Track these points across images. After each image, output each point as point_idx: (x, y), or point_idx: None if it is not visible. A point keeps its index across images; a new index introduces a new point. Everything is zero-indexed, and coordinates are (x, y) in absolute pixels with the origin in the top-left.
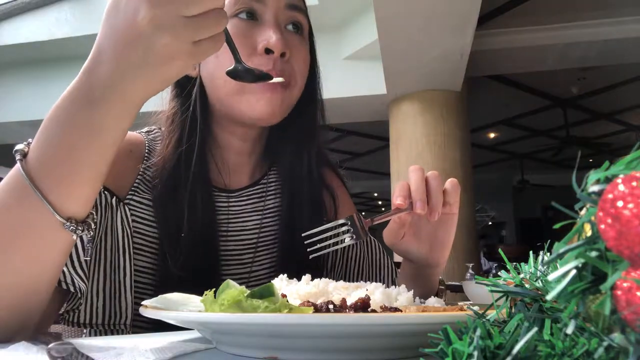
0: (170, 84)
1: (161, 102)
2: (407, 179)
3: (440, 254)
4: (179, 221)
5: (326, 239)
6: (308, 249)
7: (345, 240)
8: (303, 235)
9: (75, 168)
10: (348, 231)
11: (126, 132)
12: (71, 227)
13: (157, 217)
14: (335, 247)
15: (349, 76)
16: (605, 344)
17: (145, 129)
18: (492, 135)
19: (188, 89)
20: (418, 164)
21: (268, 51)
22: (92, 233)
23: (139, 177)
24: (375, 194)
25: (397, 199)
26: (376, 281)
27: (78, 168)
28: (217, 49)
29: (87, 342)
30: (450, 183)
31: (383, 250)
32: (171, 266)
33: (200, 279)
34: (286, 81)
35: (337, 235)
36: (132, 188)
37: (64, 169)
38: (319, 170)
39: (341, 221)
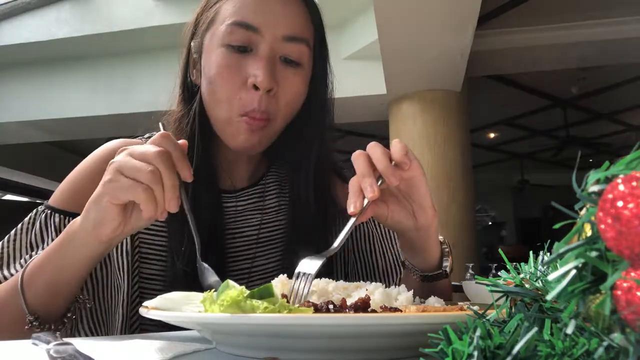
0: (107, 239)
1: (171, 101)
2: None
3: (424, 217)
4: (186, 225)
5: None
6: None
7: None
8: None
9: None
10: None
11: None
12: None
13: (165, 221)
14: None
15: (348, 76)
16: (605, 344)
17: (147, 135)
18: (492, 135)
19: (194, 94)
20: None
21: (256, 87)
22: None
23: None
24: None
25: (349, 208)
26: (381, 281)
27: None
28: (145, 221)
29: (87, 342)
30: (392, 145)
31: (396, 259)
32: (179, 266)
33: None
34: (268, 116)
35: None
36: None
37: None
38: (325, 173)
39: (293, 280)
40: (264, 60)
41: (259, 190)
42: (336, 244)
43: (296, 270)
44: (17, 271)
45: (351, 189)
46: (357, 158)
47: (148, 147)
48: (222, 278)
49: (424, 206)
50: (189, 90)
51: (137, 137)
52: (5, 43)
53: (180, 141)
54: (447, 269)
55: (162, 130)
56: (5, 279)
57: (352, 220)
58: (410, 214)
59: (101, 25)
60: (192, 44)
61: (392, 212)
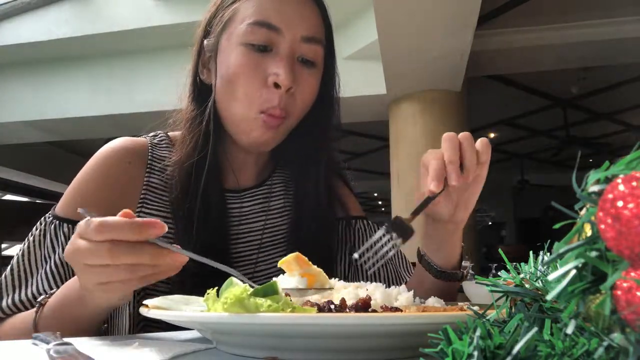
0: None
1: (179, 100)
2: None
3: (463, 213)
4: (192, 225)
5: (377, 250)
6: (368, 269)
7: (396, 246)
8: (354, 257)
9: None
10: (392, 237)
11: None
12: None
13: (173, 217)
14: (388, 256)
15: (349, 76)
16: (605, 344)
17: (152, 134)
18: (492, 135)
19: (206, 94)
20: (418, 164)
21: (277, 85)
22: None
23: (144, 187)
24: (375, 194)
25: (431, 184)
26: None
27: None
28: (129, 287)
29: (87, 342)
30: (481, 143)
31: (403, 255)
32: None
33: (209, 279)
34: (286, 114)
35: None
36: (140, 200)
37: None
38: (328, 173)
39: (382, 231)
40: (284, 59)
41: (265, 191)
42: (410, 214)
43: (386, 227)
44: (35, 287)
45: (435, 167)
46: (450, 140)
47: (95, 252)
48: (223, 282)
49: (468, 204)
50: (199, 89)
51: (141, 136)
52: (5, 43)
53: (120, 212)
54: (465, 271)
55: (85, 217)
56: (20, 301)
57: (427, 198)
58: (452, 206)
59: (101, 25)
60: (204, 42)
61: (437, 202)
